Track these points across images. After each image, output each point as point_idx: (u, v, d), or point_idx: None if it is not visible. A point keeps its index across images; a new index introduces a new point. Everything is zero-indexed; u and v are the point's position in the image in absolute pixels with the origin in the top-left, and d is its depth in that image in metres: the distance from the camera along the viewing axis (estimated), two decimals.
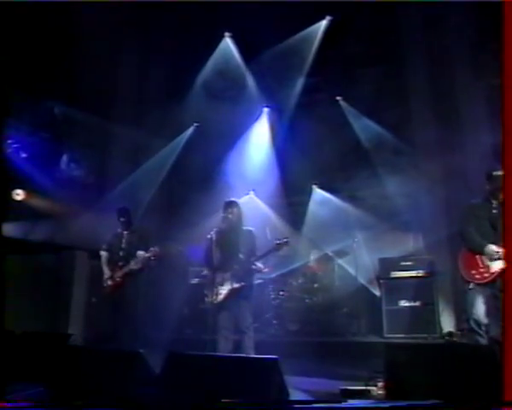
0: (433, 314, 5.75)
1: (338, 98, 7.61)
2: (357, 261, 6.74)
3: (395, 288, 6.09)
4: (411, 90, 7.01)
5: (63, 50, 7.80)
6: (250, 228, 4.87)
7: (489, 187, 4.15)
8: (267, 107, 8.21)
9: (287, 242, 4.55)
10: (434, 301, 5.81)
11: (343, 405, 3.10)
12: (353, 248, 6.72)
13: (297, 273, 7.11)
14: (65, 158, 8.53)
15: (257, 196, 8.30)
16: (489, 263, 4.05)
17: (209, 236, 4.52)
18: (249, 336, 4.64)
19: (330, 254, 6.98)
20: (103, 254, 5.75)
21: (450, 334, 5.47)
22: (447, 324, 5.99)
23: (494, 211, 4.09)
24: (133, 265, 5.42)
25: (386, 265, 6.32)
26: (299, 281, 7.03)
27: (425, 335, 5.63)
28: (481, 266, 4.09)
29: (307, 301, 6.76)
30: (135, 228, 5.79)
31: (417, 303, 5.88)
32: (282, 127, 8.13)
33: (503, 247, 3.50)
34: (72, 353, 3.45)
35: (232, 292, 4.60)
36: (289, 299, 6.85)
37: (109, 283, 5.59)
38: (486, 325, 4.04)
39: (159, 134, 8.21)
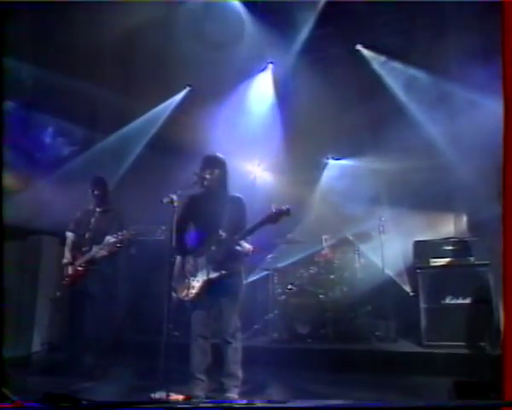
0: (491, 315, 4.23)
1: (358, 47, 6.13)
2: (385, 246, 5.28)
3: (437, 280, 4.59)
4: (445, 25, 5.45)
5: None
6: (238, 195, 3.51)
7: None
8: (271, 63, 6.76)
9: (288, 210, 3.17)
10: (492, 298, 4.28)
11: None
12: (380, 229, 5.26)
13: (309, 262, 5.75)
14: (50, 131, 7.30)
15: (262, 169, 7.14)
16: None
17: (165, 199, 3.12)
18: (235, 348, 3.28)
19: (350, 237, 5.54)
20: (69, 235, 4.76)
21: None
22: None
23: None
24: (95, 251, 4.38)
25: (425, 249, 4.82)
26: (312, 272, 5.66)
27: (480, 343, 4.14)
28: None
29: (321, 296, 5.36)
30: (109, 206, 4.72)
31: (468, 300, 4.39)
32: (290, 88, 6.68)
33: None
34: None
35: (208, 285, 3.25)
36: (299, 294, 5.46)
37: (69, 272, 4.55)
38: None
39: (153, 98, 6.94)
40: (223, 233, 3.30)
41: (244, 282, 3.65)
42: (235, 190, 3.58)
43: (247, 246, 3.34)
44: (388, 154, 5.48)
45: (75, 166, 6.41)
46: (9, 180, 6.59)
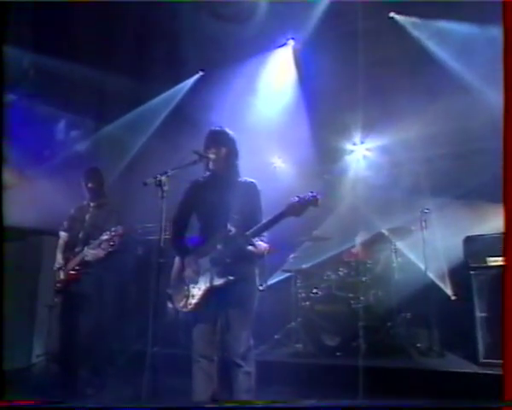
0: None
1: (391, 14, 5.35)
2: (427, 244, 4.51)
3: (497, 283, 3.76)
4: None
5: None
6: (251, 180, 2.84)
7: None
8: (292, 39, 6.02)
9: (315, 199, 2.47)
10: None
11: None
12: (422, 224, 4.48)
13: (337, 263, 5.02)
14: (62, 125, 6.76)
15: (282, 162, 6.45)
16: None
17: (150, 180, 2.46)
18: (246, 373, 2.60)
19: (386, 233, 4.75)
20: (62, 235, 4.27)
21: None
22: None
23: None
24: (86, 252, 3.85)
25: (480, 246, 3.99)
26: (341, 274, 4.91)
27: None
28: None
29: (352, 302, 4.62)
30: (105, 200, 4.19)
31: None
32: (314, 67, 5.93)
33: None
34: None
35: (212, 294, 2.58)
36: (326, 300, 4.73)
37: (61, 276, 4.02)
38: None
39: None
40: (232, 228, 2.63)
41: (260, 288, 2.99)
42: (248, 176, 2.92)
43: (262, 245, 2.66)
44: (430, 137, 4.68)
45: (79, 158, 5.87)
46: (9, 177, 6.12)
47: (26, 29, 6.17)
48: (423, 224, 4.48)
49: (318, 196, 2.45)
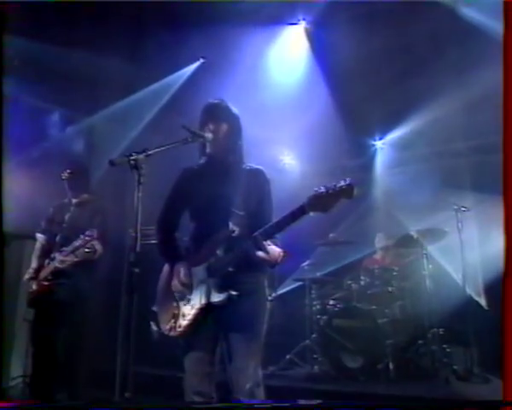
0: None
1: None
2: (465, 248, 3.88)
3: None
4: None
5: None
6: (258, 166, 2.24)
7: None
8: (304, 19, 5.41)
9: (350, 186, 1.82)
10: None
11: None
12: (458, 224, 3.87)
13: (358, 270, 4.50)
14: (56, 118, 6.13)
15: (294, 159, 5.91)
16: None
17: (120, 159, 1.82)
18: None
19: (415, 235, 4.13)
20: (39, 237, 3.76)
21: None
22: None
23: None
24: (59, 260, 3.29)
25: None
26: (362, 283, 4.36)
27: None
28: None
29: (376, 316, 4.02)
30: (88, 197, 3.63)
31: None
32: (329, 52, 5.33)
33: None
34: None
35: (209, 313, 1.96)
36: (345, 313, 4.17)
37: (34, 287, 3.48)
38: None
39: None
40: (235, 228, 2.01)
41: (269, 298, 2.37)
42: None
43: (275, 249, 2.02)
44: (466, 126, 4.06)
45: (65, 153, 5.31)
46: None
47: (13, 15, 5.62)
48: (460, 224, 3.84)
49: (353, 184, 1.80)
